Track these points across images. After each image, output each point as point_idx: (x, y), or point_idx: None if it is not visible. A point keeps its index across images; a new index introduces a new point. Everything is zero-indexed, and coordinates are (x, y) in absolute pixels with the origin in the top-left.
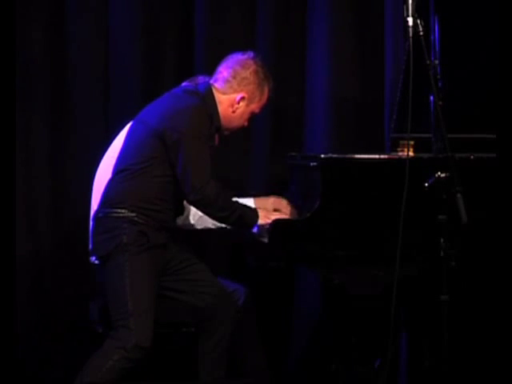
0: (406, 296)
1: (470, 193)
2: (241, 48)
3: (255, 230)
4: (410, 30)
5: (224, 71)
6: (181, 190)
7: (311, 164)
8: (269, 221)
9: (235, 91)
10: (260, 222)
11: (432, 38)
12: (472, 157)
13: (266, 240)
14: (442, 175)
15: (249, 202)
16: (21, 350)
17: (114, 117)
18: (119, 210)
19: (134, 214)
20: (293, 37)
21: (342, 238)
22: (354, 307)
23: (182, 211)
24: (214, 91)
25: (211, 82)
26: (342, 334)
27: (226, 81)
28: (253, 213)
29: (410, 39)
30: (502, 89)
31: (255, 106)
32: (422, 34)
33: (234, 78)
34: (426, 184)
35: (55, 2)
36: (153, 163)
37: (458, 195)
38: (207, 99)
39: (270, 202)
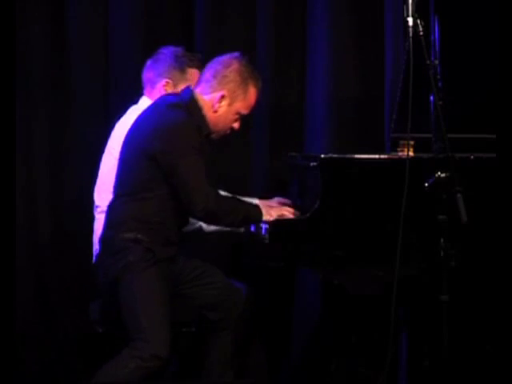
0: (406, 296)
1: (470, 193)
2: (241, 48)
3: (252, 228)
4: (410, 29)
5: (207, 73)
6: (182, 203)
7: (311, 164)
8: (271, 218)
9: (215, 90)
10: (264, 217)
11: (432, 38)
12: (472, 157)
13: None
14: (442, 175)
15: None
16: (21, 350)
17: (114, 117)
18: (123, 233)
19: (138, 234)
20: (293, 37)
21: (342, 237)
22: (354, 307)
23: (185, 223)
24: (197, 96)
25: (194, 88)
26: (342, 334)
27: (207, 81)
28: (256, 209)
29: (410, 39)
30: (502, 89)
31: (239, 106)
32: (422, 33)
33: (215, 77)
34: (426, 184)
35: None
36: (151, 185)
37: (458, 195)
38: (192, 109)
39: (275, 201)
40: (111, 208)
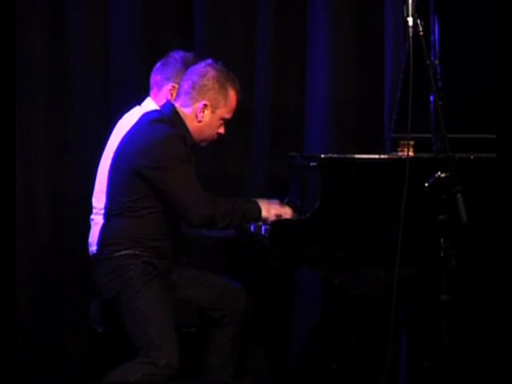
0: (406, 296)
1: (470, 193)
2: (241, 48)
3: (252, 228)
4: (410, 30)
5: (184, 84)
6: (175, 217)
7: (311, 164)
8: (269, 215)
9: (197, 101)
10: (264, 214)
11: (432, 38)
12: (472, 157)
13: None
14: (442, 175)
15: None
16: (21, 350)
17: (114, 117)
18: (120, 251)
19: (134, 250)
20: (293, 37)
21: (342, 237)
22: (354, 307)
23: (181, 238)
24: (179, 109)
25: (174, 101)
26: (342, 334)
27: (187, 93)
28: (255, 206)
29: (410, 39)
30: (502, 89)
31: (222, 112)
32: (422, 33)
33: (193, 88)
34: (426, 184)
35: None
36: (142, 202)
37: (458, 195)
38: (175, 121)
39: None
40: (104, 229)
